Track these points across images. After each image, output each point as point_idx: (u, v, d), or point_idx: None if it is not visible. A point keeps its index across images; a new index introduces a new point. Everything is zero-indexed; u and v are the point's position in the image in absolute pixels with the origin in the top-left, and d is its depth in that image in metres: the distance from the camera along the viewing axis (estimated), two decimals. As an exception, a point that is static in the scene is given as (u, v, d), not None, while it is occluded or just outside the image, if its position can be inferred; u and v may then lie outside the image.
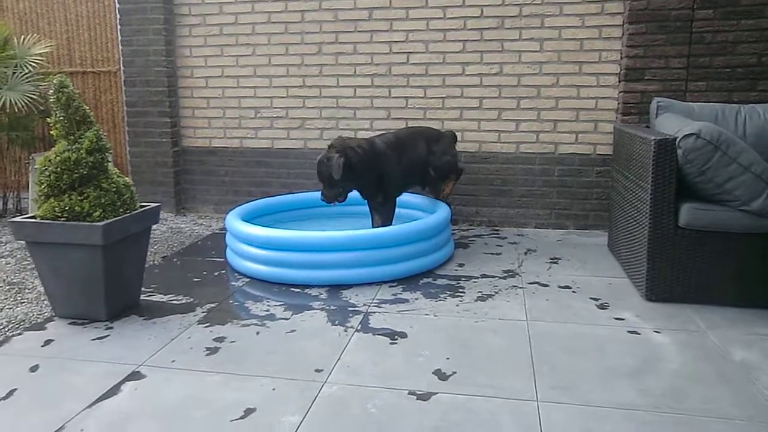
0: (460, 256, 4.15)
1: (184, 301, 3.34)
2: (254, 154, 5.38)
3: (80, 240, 2.89)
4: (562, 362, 2.59)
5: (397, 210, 4.19)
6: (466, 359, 2.62)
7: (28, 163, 5.42)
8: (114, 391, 2.38)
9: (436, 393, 2.34)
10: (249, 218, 4.15)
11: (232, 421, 2.17)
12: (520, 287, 3.52)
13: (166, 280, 3.72)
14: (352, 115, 5.13)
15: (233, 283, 3.67)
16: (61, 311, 3.09)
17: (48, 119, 3.05)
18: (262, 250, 3.66)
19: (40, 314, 3.17)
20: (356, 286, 3.54)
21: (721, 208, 3.12)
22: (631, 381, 2.43)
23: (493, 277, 3.71)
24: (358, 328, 2.97)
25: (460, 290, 3.48)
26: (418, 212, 4.46)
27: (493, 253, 4.23)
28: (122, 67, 5.44)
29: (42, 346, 2.79)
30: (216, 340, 2.84)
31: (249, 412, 2.22)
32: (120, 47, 5.43)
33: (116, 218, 2.98)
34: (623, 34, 4.55)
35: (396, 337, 2.86)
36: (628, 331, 2.91)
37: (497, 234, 4.77)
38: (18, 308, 3.26)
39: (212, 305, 3.28)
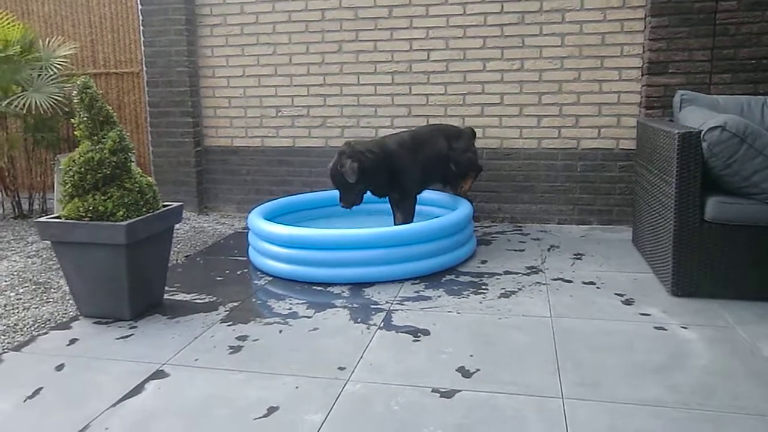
0: (482, 252, 4.11)
1: (207, 300, 3.34)
2: (276, 152, 5.38)
3: (104, 239, 2.91)
4: (587, 359, 2.54)
5: (417, 207, 4.16)
6: (490, 356, 2.59)
7: (53, 164, 5.48)
8: (138, 389, 2.38)
9: (460, 390, 2.31)
10: (271, 217, 4.15)
11: (255, 419, 2.16)
12: (544, 283, 3.48)
13: (189, 279, 3.73)
14: (373, 112, 5.11)
15: (256, 281, 3.67)
16: (86, 310, 3.11)
17: (72, 120, 3.07)
18: (285, 248, 3.65)
19: (66, 313, 3.20)
20: (378, 283, 3.52)
21: (747, 201, 3.05)
22: (658, 377, 2.38)
23: (517, 273, 3.67)
24: (381, 325, 2.94)
25: (483, 287, 3.45)
26: (439, 209, 4.43)
27: (516, 250, 4.18)
28: (145, 68, 5.48)
29: (67, 345, 2.81)
30: (239, 338, 2.83)
31: (272, 410, 2.21)
32: (142, 48, 5.47)
33: (139, 218, 2.99)
34: (645, 27, 4.47)
35: (419, 334, 2.83)
36: (655, 327, 2.85)
37: (520, 230, 4.72)
38: (44, 308, 3.29)
39: (235, 304, 3.28)
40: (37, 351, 2.76)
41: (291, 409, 2.21)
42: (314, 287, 3.52)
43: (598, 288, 3.40)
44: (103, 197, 2.96)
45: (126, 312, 3.05)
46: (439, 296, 3.32)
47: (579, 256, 3.99)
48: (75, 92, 3.03)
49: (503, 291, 3.38)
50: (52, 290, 3.57)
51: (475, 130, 4.70)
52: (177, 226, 3.88)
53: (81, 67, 5.86)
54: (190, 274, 3.85)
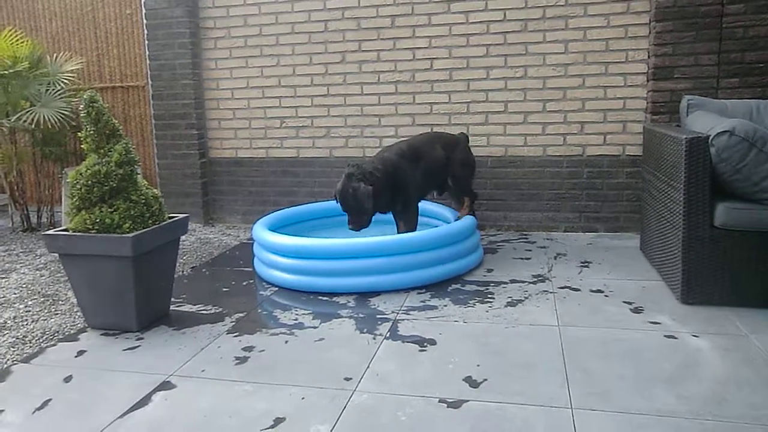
0: (488, 261, 4.09)
1: (213, 311, 3.34)
2: (280, 163, 5.39)
3: (110, 251, 2.91)
4: (597, 368, 2.51)
5: (420, 219, 4.14)
6: (497, 366, 2.56)
7: (60, 177, 5.51)
8: (145, 401, 2.37)
9: (467, 400, 2.29)
10: (276, 227, 4.15)
11: (262, 430, 2.14)
12: (551, 292, 3.45)
13: (196, 290, 3.73)
14: (377, 122, 5.11)
15: (261, 292, 3.66)
16: (93, 322, 3.11)
17: (79, 134, 3.08)
18: (289, 258, 3.64)
19: (74, 325, 3.19)
20: (384, 293, 3.51)
21: (758, 207, 3.02)
22: (669, 387, 2.35)
23: (523, 282, 3.64)
24: (387, 335, 2.93)
25: (490, 296, 3.42)
26: (442, 222, 4.40)
27: (522, 258, 4.16)
28: (150, 82, 5.51)
29: (75, 356, 2.81)
30: (245, 349, 2.82)
31: (279, 421, 2.19)
32: (147, 62, 5.50)
33: (145, 230, 2.99)
34: (650, 32, 4.46)
35: (425, 344, 2.81)
36: (665, 336, 2.82)
37: (526, 238, 4.70)
38: (52, 320, 3.29)
39: (241, 315, 3.27)
40: (46, 362, 2.76)
41: (297, 421, 2.19)
42: (320, 297, 3.51)
43: (606, 296, 3.37)
44: (109, 210, 2.97)
45: (133, 323, 3.04)
46: (446, 305, 3.30)
47: (586, 264, 3.96)
48: (82, 106, 3.05)
49: (510, 300, 3.35)
50: (60, 302, 3.57)
51: (480, 138, 4.69)
52: (183, 237, 3.87)
53: (87, 82, 5.89)
54: (196, 285, 3.84)
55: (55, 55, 5.57)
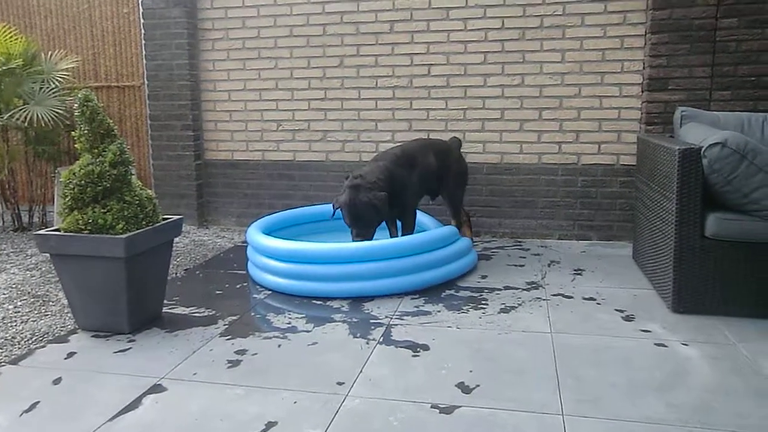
0: (482, 267, 4.11)
1: (206, 314, 3.34)
2: (276, 166, 5.40)
3: (103, 252, 2.91)
4: (588, 375, 2.54)
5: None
6: (490, 372, 2.58)
7: (53, 176, 5.50)
8: (135, 404, 2.37)
9: (460, 406, 2.30)
10: (270, 231, 4.16)
11: (253, 434, 2.15)
12: (544, 299, 3.47)
13: (189, 292, 3.73)
14: (374, 127, 5.13)
15: (255, 295, 3.67)
16: (84, 324, 3.11)
17: (73, 133, 3.08)
18: (283, 262, 3.65)
19: (64, 327, 3.19)
20: (378, 298, 3.52)
21: (748, 218, 3.06)
22: (659, 395, 2.37)
23: (517, 288, 3.67)
24: (380, 340, 2.94)
25: (483, 302, 3.44)
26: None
27: (516, 265, 4.18)
28: (146, 82, 5.51)
29: (65, 358, 2.80)
30: (238, 352, 2.83)
31: (270, 425, 2.20)
32: (144, 62, 5.50)
33: (139, 231, 3.00)
34: (645, 44, 4.50)
35: (418, 349, 2.83)
36: (655, 344, 2.85)
37: (520, 245, 4.73)
38: (42, 321, 3.29)
39: (234, 318, 3.27)
40: (35, 364, 2.75)
41: (290, 425, 2.20)
42: (313, 301, 3.52)
43: (598, 304, 3.39)
44: (102, 210, 2.97)
45: (124, 325, 3.04)
46: (439, 311, 3.32)
47: (579, 272, 3.99)
48: (76, 105, 3.05)
49: (503, 306, 3.37)
50: (51, 303, 3.56)
51: (476, 144, 4.72)
52: (177, 239, 3.87)
53: (83, 81, 5.89)
54: (190, 287, 3.84)
55: (49, 52, 5.57)
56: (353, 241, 3.76)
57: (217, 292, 3.73)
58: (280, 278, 3.66)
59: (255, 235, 3.92)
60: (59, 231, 3.03)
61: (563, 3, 4.63)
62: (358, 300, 3.50)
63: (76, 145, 3.08)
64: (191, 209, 5.48)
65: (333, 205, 3.86)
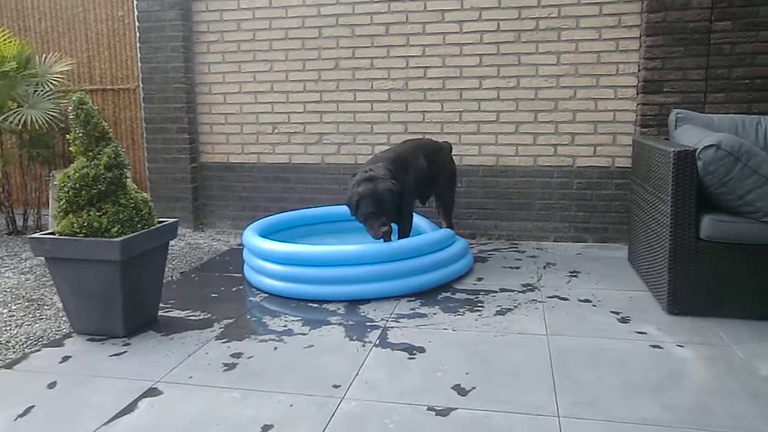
0: (478, 270, 4.12)
1: (201, 317, 3.34)
2: (272, 169, 5.40)
3: (98, 256, 2.91)
4: (584, 377, 2.55)
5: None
6: (486, 374, 2.59)
7: (48, 179, 5.48)
8: (131, 407, 2.37)
9: (456, 409, 2.31)
10: (266, 233, 4.16)
11: (249, 437, 2.15)
12: (540, 301, 3.48)
13: (184, 295, 3.73)
14: (369, 129, 5.14)
15: (251, 298, 3.67)
16: (80, 327, 3.10)
17: (68, 136, 3.08)
18: (279, 265, 3.66)
19: (59, 330, 3.19)
20: (374, 301, 3.53)
21: (743, 220, 3.07)
22: (654, 396, 2.38)
23: (512, 291, 3.68)
24: (377, 343, 2.94)
25: (479, 304, 3.45)
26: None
27: (511, 267, 4.19)
28: (141, 85, 5.51)
29: (60, 362, 2.80)
30: (233, 356, 2.83)
31: (267, 428, 2.20)
32: (139, 65, 5.50)
33: (134, 234, 3.00)
34: (640, 46, 4.52)
35: (414, 352, 2.83)
36: (651, 345, 2.86)
37: (516, 248, 4.74)
38: (37, 325, 3.28)
39: (230, 321, 3.28)
40: (30, 368, 2.75)
41: (285, 428, 2.20)
42: (309, 304, 3.52)
43: (594, 306, 3.40)
44: (97, 213, 2.97)
45: (120, 329, 3.04)
46: (435, 314, 3.32)
47: (575, 274, 4.00)
48: (70, 108, 3.05)
49: (499, 308, 3.38)
50: (46, 307, 3.56)
51: (471, 147, 4.75)
52: (172, 242, 3.88)
53: (77, 84, 5.89)
54: (185, 290, 3.84)
55: (44, 55, 5.56)
56: (375, 235, 3.66)
57: (213, 295, 3.73)
58: (276, 281, 3.66)
59: (251, 237, 3.92)
60: (54, 234, 3.02)
61: (558, 5, 4.65)
62: (354, 303, 3.51)
63: (70, 149, 3.09)
64: (187, 212, 5.48)
65: (350, 199, 3.74)
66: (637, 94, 4.58)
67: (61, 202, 3.01)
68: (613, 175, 4.73)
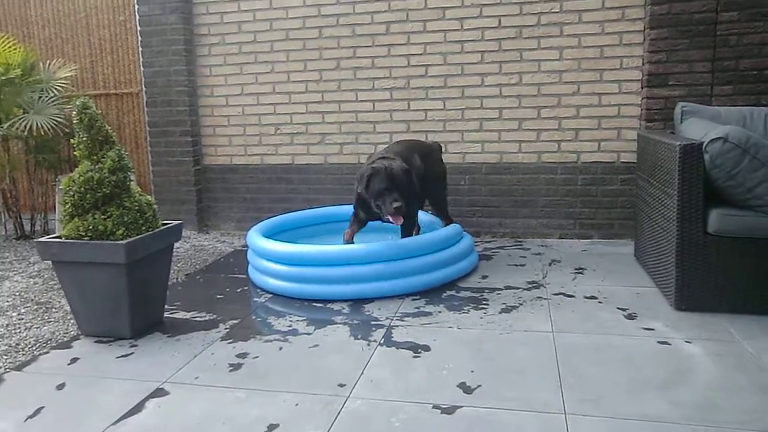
0: (483, 268, 4.12)
1: (207, 318, 3.35)
2: (275, 170, 5.41)
3: (104, 258, 2.93)
4: (590, 374, 2.54)
5: None
6: (491, 372, 2.59)
7: (54, 184, 5.52)
8: (138, 408, 2.38)
9: (461, 406, 2.31)
10: (270, 234, 4.17)
11: (255, 437, 2.16)
12: (545, 298, 3.48)
13: (190, 297, 3.75)
14: (372, 129, 5.14)
15: (255, 299, 3.68)
16: (87, 329, 3.12)
17: (72, 141, 3.10)
18: (283, 265, 3.67)
19: (67, 333, 3.21)
20: (379, 299, 3.53)
21: (751, 214, 3.05)
22: (662, 393, 2.37)
23: (518, 288, 3.67)
24: (381, 341, 2.95)
25: (484, 302, 3.45)
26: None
27: (516, 265, 4.19)
28: (144, 88, 5.53)
29: (68, 364, 2.82)
30: (239, 356, 2.84)
31: (272, 428, 2.21)
32: (142, 69, 5.52)
33: (139, 236, 3.01)
34: (644, 39, 4.51)
35: (419, 350, 2.83)
36: (658, 342, 2.85)
37: (521, 245, 4.73)
38: (45, 327, 3.30)
39: (235, 321, 3.29)
40: (39, 370, 2.77)
41: (291, 427, 2.21)
42: (314, 304, 3.53)
43: (600, 302, 3.40)
44: (102, 216, 2.99)
45: (126, 330, 3.05)
46: (440, 312, 3.33)
47: (580, 271, 3.99)
48: (74, 113, 3.06)
49: (504, 306, 3.38)
50: (54, 310, 3.58)
51: (474, 144, 4.76)
52: (177, 244, 3.89)
53: (81, 89, 5.92)
54: (190, 292, 3.86)
55: (48, 61, 5.60)
56: (387, 211, 3.56)
57: (218, 296, 3.75)
58: (281, 281, 3.68)
59: (255, 238, 3.94)
60: (60, 238, 3.04)
61: (560, 0, 4.64)
62: (358, 302, 3.51)
63: (74, 153, 3.10)
64: (191, 214, 5.50)
65: (362, 174, 3.65)
66: (642, 87, 4.57)
67: (67, 206, 3.02)
68: (618, 171, 4.71)
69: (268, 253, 3.76)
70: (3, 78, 5.07)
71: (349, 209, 4.01)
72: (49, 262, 3.23)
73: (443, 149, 4.63)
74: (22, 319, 3.45)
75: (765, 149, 3.02)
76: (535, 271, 4.01)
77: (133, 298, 3.02)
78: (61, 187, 3.11)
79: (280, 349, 2.91)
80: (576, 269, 4.03)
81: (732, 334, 2.90)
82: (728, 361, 2.63)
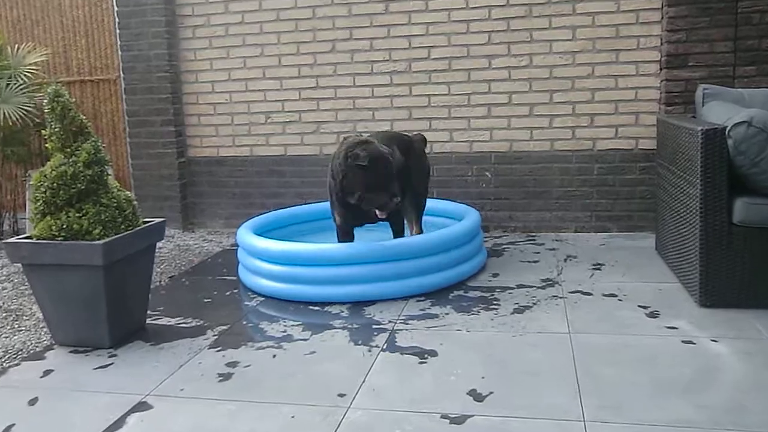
0: (493, 265, 4.11)
1: (193, 324, 3.34)
2: (266, 162, 5.40)
3: (79, 260, 2.91)
4: (610, 377, 2.53)
5: (424, 218, 4.14)
6: (504, 377, 2.58)
7: (24, 180, 5.49)
8: (119, 424, 2.36)
9: (472, 416, 2.30)
10: (262, 232, 4.15)
11: (247, 452, 2.15)
12: (561, 297, 3.47)
13: (174, 301, 3.73)
14: (371, 116, 5.12)
15: (246, 302, 3.67)
16: (62, 339, 3.10)
17: (44, 132, 3.07)
18: (277, 265, 3.66)
19: (39, 342, 3.19)
20: (380, 302, 3.52)
21: (780, 202, 3.05)
22: (687, 396, 2.36)
23: (531, 287, 3.66)
24: (384, 347, 2.94)
25: (495, 302, 3.44)
26: (446, 219, 4.42)
27: (529, 261, 4.18)
28: (122, 74, 5.51)
29: (41, 377, 2.80)
30: (229, 365, 2.82)
31: (266, 441, 2.20)
32: (119, 53, 5.50)
33: (117, 236, 2.99)
34: (663, 17, 4.49)
35: (425, 355, 2.82)
36: (682, 341, 2.84)
37: (533, 240, 4.73)
38: (15, 337, 3.28)
39: (224, 327, 3.27)
40: (8, 384, 2.75)
41: (286, 441, 2.20)
42: (310, 307, 3.52)
43: (619, 300, 3.39)
44: (77, 214, 2.96)
45: (105, 339, 3.04)
46: (447, 314, 3.32)
47: (598, 267, 3.99)
48: (45, 101, 3.04)
49: (517, 306, 3.37)
50: (25, 317, 3.56)
51: (482, 132, 4.73)
52: (159, 244, 3.88)
53: (53, 75, 5.88)
54: (175, 296, 3.84)
55: (16, 45, 5.57)
56: (392, 206, 3.44)
57: (205, 300, 3.73)
58: (275, 282, 3.67)
59: (246, 236, 3.92)
60: (31, 239, 3.02)
61: (572, -25, 4.63)
62: (358, 304, 3.50)
63: (47, 145, 3.08)
64: (175, 211, 5.48)
65: (359, 155, 3.37)
66: (661, 69, 4.55)
67: (38, 204, 3.00)
68: (636, 158, 4.70)
69: (261, 251, 3.74)
70: (-32, 65, 5.04)
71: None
72: (19, 265, 3.21)
73: (450, 137, 4.61)
74: (-7, 327, 3.43)
75: (793, 133, 3.01)
76: (550, 268, 4.00)
77: (112, 303, 3.00)
78: (31, 182, 3.08)
79: (274, 356, 2.90)
80: (593, 265, 4.02)
81: (760, 332, 2.89)
82: (757, 360, 2.63)
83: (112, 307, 3.01)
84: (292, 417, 2.35)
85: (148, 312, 3.39)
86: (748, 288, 3.14)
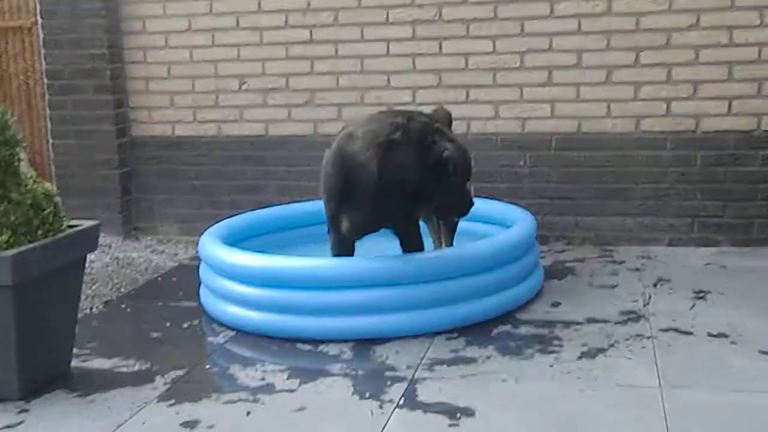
0: (553, 290, 4.12)
1: (137, 368, 3.36)
2: (239, 145, 5.43)
3: (-20, 277, 2.93)
4: (719, 452, 2.53)
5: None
6: (568, 449, 2.58)
7: None
8: None
9: (523, 502, 2.30)
10: (234, 241, 4.17)
11: None
12: (649, 337, 3.47)
13: (111, 336, 3.77)
14: (385, 82, 5.13)
15: (211, 338, 3.70)
16: (-45, 385, 3.13)
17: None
18: (255, 287, 3.68)
19: (-75, 390, 3.21)
20: (396, 339, 3.53)
21: None
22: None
23: (606, 321, 3.66)
24: (401, 402, 2.94)
25: (556, 343, 3.44)
26: (487, 226, 4.43)
27: (604, 286, 4.19)
28: (40, 20, 5.53)
29: (-77, 442, 2.83)
30: (185, 425, 2.83)
31: None
32: (37, -9, 5.54)
33: (33, 245, 3.00)
34: (798, -57, 4.49)
35: (458, 415, 2.82)
36: (822, 402, 2.83)
37: (609, 256, 4.73)
38: None
39: (180, 373, 3.29)
40: None
41: None
42: (299, 346, 3.53)
43: (733, 343, 3.38)
44: (-23, 215, 2.99)
45: (14, 387, 3.05)
46: (489, 357, 3.32)
47: (702, 295, 3.98)
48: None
49: (586, 349, 3.37)
50: None
51: (541, 106, 4.74)
52: (91, 257, 3.90)
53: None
54: (112, 328, 3.88)
55: None
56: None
57: (154, 334, 3.76)
58: (250, 311, 3.68)
59: (211, 246, 3.94)
60: None
61: None
62: (366, 343, 3.51)
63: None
64: (113, 211, 5.51)
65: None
66: (794, 18, 4.55)
67: (-76, 200, 3.03)
68: (758, 143, 4.69)
69: (232, 268, 3.76)
70: None
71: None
72: None
73: (495, 113, 4.62)
74: None
75: None
76: (633, 296, 4.00)
77: (24, 337, 3.01)
78: None
79: (248, 414, 2.90)
80: (695, 292, 4.02)
81: None
82: None
83: (25, 344, 3.02)
84: (273, 499, 2.36)
85: (75, 350, 3.40)
86: None
